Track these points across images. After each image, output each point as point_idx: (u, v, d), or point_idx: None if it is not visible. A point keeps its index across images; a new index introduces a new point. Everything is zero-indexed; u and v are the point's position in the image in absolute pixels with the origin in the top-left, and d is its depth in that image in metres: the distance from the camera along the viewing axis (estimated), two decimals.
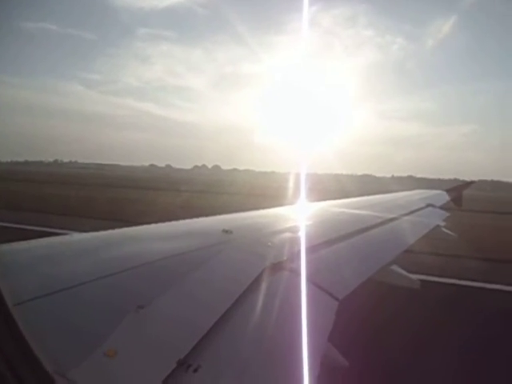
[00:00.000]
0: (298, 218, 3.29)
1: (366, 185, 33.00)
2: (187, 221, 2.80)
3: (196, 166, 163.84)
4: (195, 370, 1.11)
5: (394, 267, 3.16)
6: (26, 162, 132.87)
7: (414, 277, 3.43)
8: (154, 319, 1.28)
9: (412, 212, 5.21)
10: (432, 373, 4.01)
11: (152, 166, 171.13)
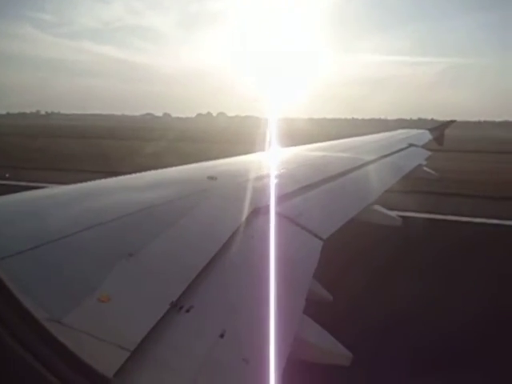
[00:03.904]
0: (280, 162, 3.33)
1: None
2: (173, 168, 2.79)
3: (200, 114, 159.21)
4: (187, 311, 1.18)
5: (376, 207, 3.27)
6: (9, 114, 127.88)
7: (395, 214, 3.57)
8: (144, 265, 1.33)
9: (394, 152, 5.24)
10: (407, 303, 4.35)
11: (149, 114, 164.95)
